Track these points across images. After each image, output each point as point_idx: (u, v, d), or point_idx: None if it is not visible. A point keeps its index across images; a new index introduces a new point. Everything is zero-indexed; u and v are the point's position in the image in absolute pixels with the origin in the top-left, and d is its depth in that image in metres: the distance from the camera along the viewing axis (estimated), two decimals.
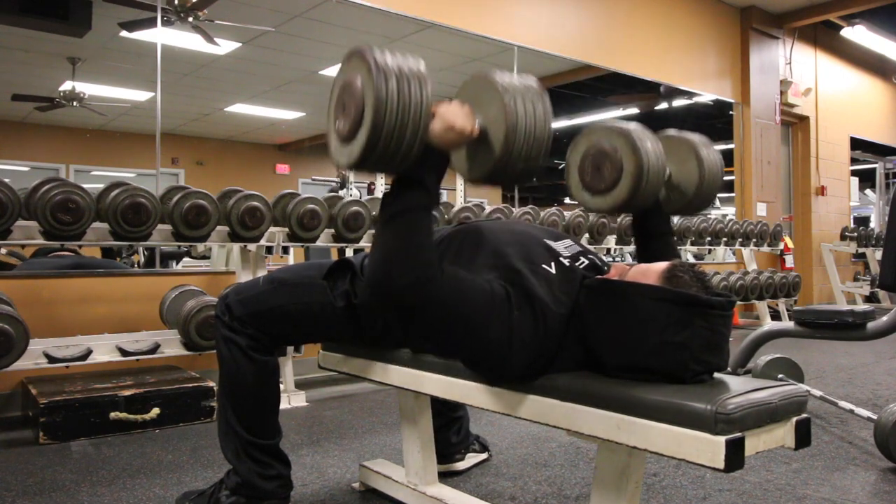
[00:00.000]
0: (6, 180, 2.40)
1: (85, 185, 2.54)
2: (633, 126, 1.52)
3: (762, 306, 5.49)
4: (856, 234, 7.40)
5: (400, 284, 1.23)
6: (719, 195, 10.29)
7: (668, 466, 2.07)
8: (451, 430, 2.03)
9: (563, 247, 1.43)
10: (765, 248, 5.80)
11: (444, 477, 1.94)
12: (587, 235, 4.32)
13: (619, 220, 4.51)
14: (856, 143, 8.39)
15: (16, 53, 6.43)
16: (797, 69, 7.24)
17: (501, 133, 1.26)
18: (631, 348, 1.19)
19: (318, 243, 3.20)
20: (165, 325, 2.98)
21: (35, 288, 2.98)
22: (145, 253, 4.80)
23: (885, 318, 2.45)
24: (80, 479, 2.02)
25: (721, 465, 1.00)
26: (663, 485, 1.93)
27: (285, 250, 3.23)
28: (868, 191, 10.08)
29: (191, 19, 5.02)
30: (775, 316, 5.87)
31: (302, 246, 3.32)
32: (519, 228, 1.48)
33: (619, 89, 7.29)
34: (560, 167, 8.82)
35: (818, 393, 2.67)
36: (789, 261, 6.44)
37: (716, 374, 1.20)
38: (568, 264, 1.36)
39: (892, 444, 2.10)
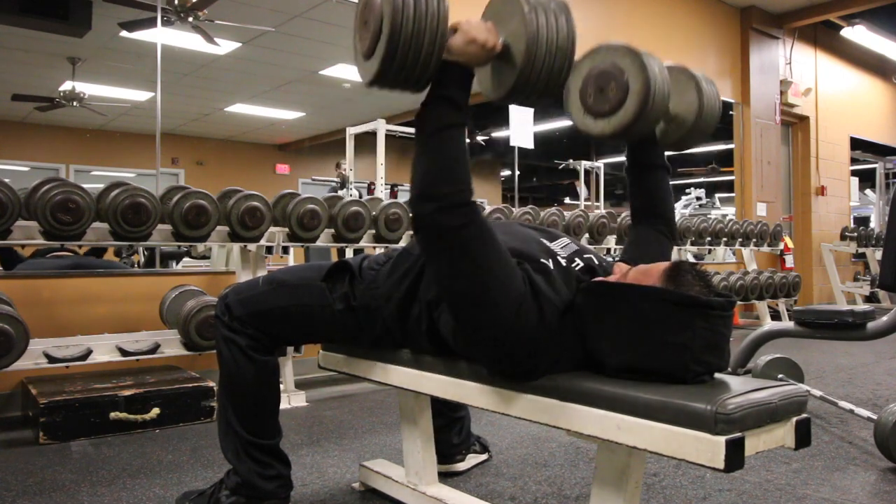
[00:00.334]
0: (6, 180, 2.40)
1: (85, 185, 2.54)
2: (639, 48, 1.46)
3: (762, 306, 5.49)
4: (856, 234, 7.40)
5: (437, 198, 1.21)
6: (719, 195, 10.23)
7: (668, 466, 2.07)
8: (452, 430, 2.03)
9: (560, 247, 1.43)
10: (765, 248, 5.80)
11: (445, 477, 1.94)
12: (587, 235, 4.32)
13: (618, 220, 4.51)
14: (856, 143, 8.39)
15: (16, 53, 6.43)
16: (797, 69, 7.24)
17: (522, 45, 1.24)
18: (632, 350, 1.19)
19: (318, 243, 3.20)
20: (165, 325, 2.98)
21: (35, 288, 2.98)
22: (145, 253, 4.81)
23: (885, 318, 2.45)
24: (80, 479, 2.02)
25: (721, 465, 0.99)
26: (663, 485, 1.93)
27: (285, 250, 3.24)
28: (868, 191, 10.08)
29: (191, 19, 5.03)
30: (775, 316, 5.87)
31: (302, 246, 3.32)
32: (515, 229, 1.48)
33: None
34: (560, 167, 8.81)
35: (818, 393, 2.67)
36: (789, 261, 6.44)
37: (716, 375, 1.20)
38: (564, 264, 1.36)
39: (892, 444, 2.10)
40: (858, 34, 7.33)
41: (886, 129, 8.86)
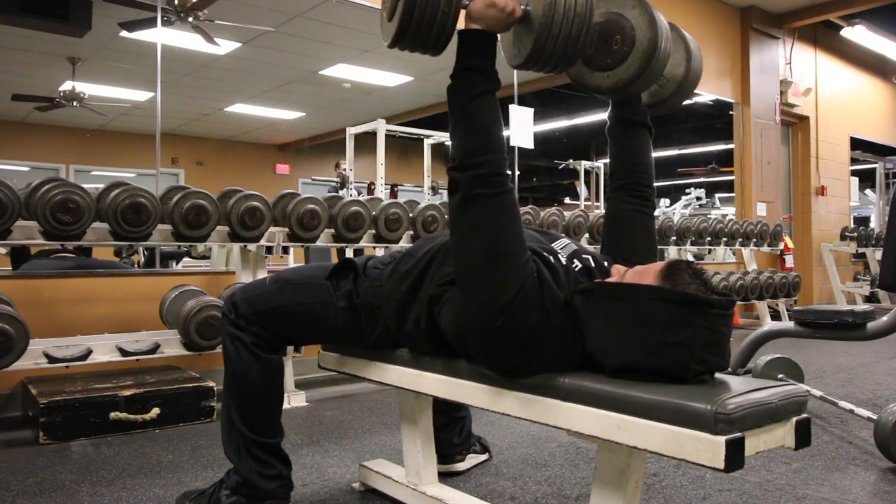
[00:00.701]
0: (6, 180, 2.40)
1: (85, 185, 2.54)
2: None
3: (762, 306, 5.49)
4: (856, 234, 7.40)
5: (474, 165, 1.25)
6: (719, 195, 10.23)
7: (668, 466, 2.07)
8: (453, 430, 2.03)
9: (559, 247, 1.43)
10: (765, 248, 5.80)
11: (444, 477, 1.94)
12: (587, 235, 4.32)
13: None
14: (856, 143, 8.39)
15: (16, 53, 6.43)
16: (797, 69, 7.24)
17: (541, 8, 1.24)
18: (631, 350, 1.19)
19: (318, 243, 3.20)
20: (165, 325, 2.98)
21: (35, 288, 2.98)
22: (145, 253, 4.81)
23: (885, 318, 2.45)
24: (80, 479, 2.02)
25: (721, 465, 1.00)
26: (663, 485, 1.94)
27: (285, 250, 3.24)
28: (868, 191, 10.08)
29: (191, 19, 5.03)
30: (775, 316, 5.87)
31: (302, 246, 3.32)
32: None
33: None
34: (560, 167, 8.81)
35: (818, 393, 2.67)
36: (789, 261, 6.44)
37: (716, 374, 1.21)
38: (564, 263, 1.37)
39: (892, 444, 2.10)
40: (858, 34, 7.33)
41: (886, 129, 8.86)
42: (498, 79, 1.30)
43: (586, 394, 1.19)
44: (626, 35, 1.39)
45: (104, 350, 2.66)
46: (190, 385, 2.69)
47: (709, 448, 1.01)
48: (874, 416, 2.23)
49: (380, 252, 3.35)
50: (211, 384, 2.70)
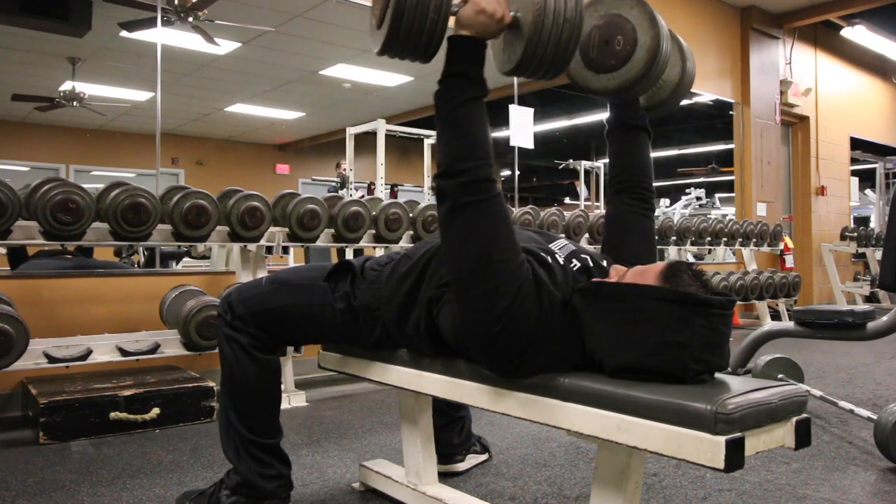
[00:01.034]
0: (6, 180, 2.40)
1: (85, 185, 2.54)
2: None
3: (762, 306, 5.49)
4: (856, 234, 7.40)
5: (460, 172, 1.24)
6: (719, 195, 10.23)
7: (668, 466, 2.07)
8: (453, 430, 2.03)
9: (558, 247, 1.43)
10: (765, 248, 5.80)
11: (444, 477, 1.94)
12: (587, 235, 4.32)
13: None
14: (856, 143, 8.39)
15: (16, 53, 6.44)
16: (797, 69, 7.24)
17: (531, 14, 1.24)
18: (631, 349, 1.19)
19: (318, 243, 3.20)
20: (165, 325, 2.98)
21: (35, 288, 2.98)
22: (145, 253, 4.81)
23: (885, 318, 2.45)
24: (80, 479, 2.02)
25: (721, 465, 0.99)
26: (663, 485, 1.94)
27: (285, 250, 3.24)
28: (868, 191, 10.08)
29: (191, 19, 5.03)
30: (775, 316, 5.87)
31: (302, 246, 3.32)
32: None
33: None
34: (560, 167, 8.81)
35: (818, 393, 2.67)
36: (789, 261, 6.44)
37: (716, 374, 1.21)
38: (562, 263, 1.37)
39: (892, 444, 2.10)
40: (858, 34, 7.33)
41: (886, 129, 8.86)
42: (486, 85, 1.29)
43: (586, 394, 1.19)
44: (627, 35, 1.40)
45: (104, 350, 2.66)
46: (190, 385, 2.69)
47: (709, 448, 1.01)
48: (874, 416, 2.23)
49: (380, 252, 3.35)
50: (211, 384, 2.70)
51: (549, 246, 1.42)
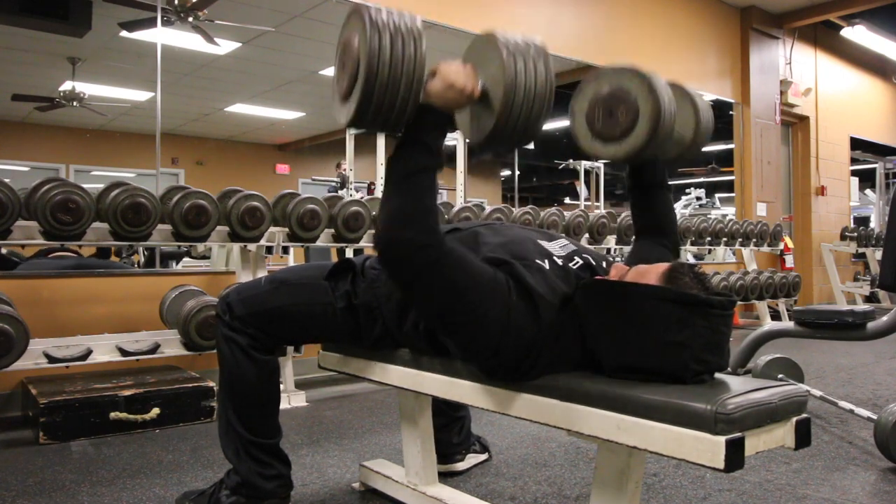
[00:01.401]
0: (6, 180, 2.40)
1: (85, 185, 2.54)
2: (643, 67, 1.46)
3: (762, 306, 5.49)
4: (856, 234, 7.40)
5: (407, 247, 1.22)
6: (719, 195, 10.23)
7: (668, 466, 2.07)
8: (452, 430, 2.03)
9: (558, 247, 1.43)
10: (765, 248, 5.80)
11: (444, 477, 1.94)
12: (587, 235, 4.32)
13: (618, 219, 4.51)
14: (856, 143, 8.39)
15: (16, 53, 6.43)
16: (797, 69, 7.24)
17: (500, 90, 1.24)
18: (631, 349, 1.19)
19: (318, 243, 3.20)
20: (165, 325, 2.98)
21: (35, 288, 2.98)
22: (145, 253, 4.80)
23: (885, 318, 2.45)
24: (80, 479, 2.02)
25: (721, 465, 1.00)
26: (663, 485, 1.94)
27: (285, 250, 3.23)
28: (868, 191, 10.08)
29: (191, 19, 5.03)
30: (775, 316, 5.86)
31: (302, 246, 3.32)
32: (513, 232, 1.48)
33: None
34: (560, 167, 8.81)
35: (818, 393, 2.67)
36: (789, 261, 6.44)
37: (716, 374, 1.21)
38: (561, 263, 1.36)
39: (892, 444, 2.10)
40: (858, 34, 7.32)
41: (886, 129, 8.86)
42: (443, 157, 1.29)
43: (586, 394, 1.19)
44: (629, 106, 1.43)
45: (104, 350, 2.66)
46: (190, 385, 2.69)
47: (709, 448, 1.01)
48: (874, 416, 2.23)
49: None
50: (211, 384, 2.70)
51: (548, 246, 1.41)
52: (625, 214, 4.55)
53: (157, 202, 2.67)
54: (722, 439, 1.00)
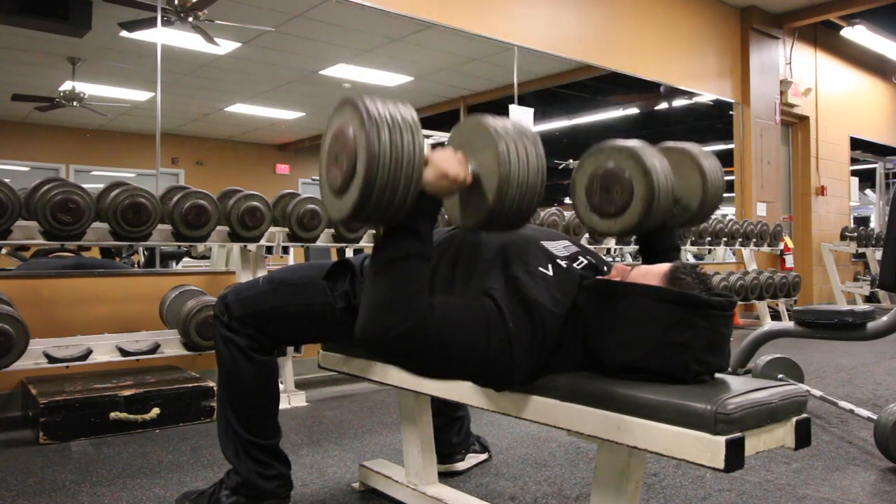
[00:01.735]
0: (6, 180, 2.40)
1: (85, 185, 2.54)
2: (641, 146, 1.48)
3: (762, 306, 5.49)
4: (856, 234, 7.40)
5: (392, 335, 1.19)
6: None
7: (668, 466, 2.07)
8: (451, 430, 2.03)
9: (561, 247, 1.42)
10: (765, 248, 5.80)
11: (444, 477, 1.94)
12: (587, 236, 4.32)
13: None
14: (856, 143, 8.39)
15: (16, 53, 6.43)
16: (797, 69, 7.24)
17: (495, 182, 1.24)
18: (632, 349, 1.19)
19: (318, 243, 3.20)
20: (165, 325, 2.98)
21: (35, 288, 2.98)
22: (145, 253, 4.80)
23: (885, 318, 2.45)
24: (80, 479, 2.02)
25: (721, 465, 1.00)
26: (663, 485, 1.94)
27: (285, 250, 3.24)
28: (868, 191, 10.09)
29: (191, 19, 5.02)
30: (775, 316, 5.87)
31: (302, 246, 3.32)
32: (516, 231, 1.48)
33: (619, 89, 7.29)
34: (560, 167, 8.82)
35: (818, 393, 2.67)
36: (789, 261, 6.45)
37: (716, 375, 1.21)
38: (565, 265, 1.35)
39: (892, 444, 2.10)
40: (858, 34, 7.32)
41: (886, 129, 8.86)
42: (432, 247, 1.29)
43: (586, 394, 1.19)
44: (624, 185, 1.46)
45: (104, 350, 2.66)
46: (190, 385, 2.69)
47: (709, 448, 1.01)
48: (874, 416, 2.23)
49: None
50: (211, 384, 2.70)
51: (551, 247, 1.41)
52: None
53: (157, 202, 2.67)
54: (722, 439, 1.00)
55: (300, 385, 3.18)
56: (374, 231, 3.30)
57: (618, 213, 1.49)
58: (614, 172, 1.48)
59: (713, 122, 9.15)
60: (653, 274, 1.23)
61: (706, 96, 6.73)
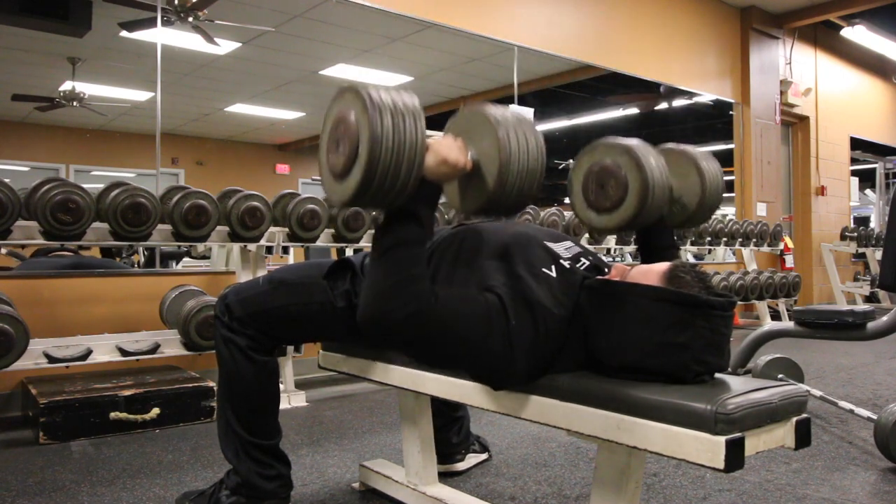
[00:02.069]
0: (6, 180, 2.40)
1: (85, 185, 2.54)
2: (636, 142, 1.50)
3: (762, 306, 5.49)
4: (856, 234, 7.40)
5: (394, 319, 1.20)
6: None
7: (668, 466, 2.07)
8: (451, 430, 2.03)
9: (563, 248, 1.42)
10: (765, 248, 5.80)
11: (444, 477, 1.94)
12: (587, 236, 4.32)
13: None
14: (856, 143, 8.39)
15: (16, 53, 6.43)
16: (797, 69, 7.24)
17: (495, 168, 1.25)
18: (632, 349, 1.19)
19: (318, 243, 3.20)
20: (165, 325, 2.98)
21: (35, 288, 2.98)
22: (145, 253, 4.81)
23: (885, 318, 2.45)
24: (80, 479, 2.02)
25: (721, 465, 1.00)
26: (663, 485, 1.94)
27: (285, 250, 3.24)
28: (868, 191, 10.09)
29: (191, 19, 5.03)
30: (775, 316, 5.87)
31: (302, 246, 3.32)
32: (518, 230, 1.47)
33: (619, 89, 7.29)
34: (560, 167, 8.82)
35: (818, 393, 2.67)
36: (789, 261, 6.44)
37: (716, 375, 1.20)
38: (568, 266, 1.35)
39: (892, 444, 2.10)
40: (858, 34, 7.32)
41: (886, 129, 8.86)
42: (432, 231, 1.30)
43: (586, 394, 1.19)
44: (619, 180, 1.49)
45: (104, 350, 2.66)
46: (190, 385, 2.69)
47: (709, 448, 1.01)
48: (874, 416, 2.23)
49: None
50: (211, 384, 2.70)
51: (555, 247, 1.40)
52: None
53: (157, 202, 2.67)
54: (722, 439, 1.00)
55: (300, 385, 3.18)
56: (373, 231, 3.30)
57: (613, 207, 1.51)
58: (609, 168, 1.50)
59: (713, 122, 9.16)
60: (653, 273, 1.23)
61: (706, 96, 6.73)
